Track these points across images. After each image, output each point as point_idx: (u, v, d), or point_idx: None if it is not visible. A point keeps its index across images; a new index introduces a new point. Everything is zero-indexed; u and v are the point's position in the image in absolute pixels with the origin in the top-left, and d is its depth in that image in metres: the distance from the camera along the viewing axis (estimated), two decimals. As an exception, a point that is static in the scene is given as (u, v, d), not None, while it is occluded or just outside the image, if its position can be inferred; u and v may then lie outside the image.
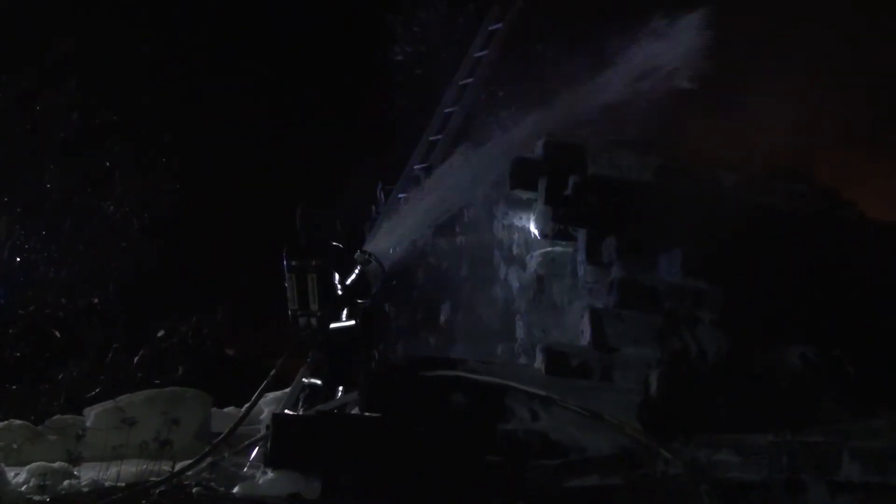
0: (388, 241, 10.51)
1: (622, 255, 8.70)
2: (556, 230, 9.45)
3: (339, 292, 9.22)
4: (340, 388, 9.09)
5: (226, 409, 11.78)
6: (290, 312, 9.28)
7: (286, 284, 9.27)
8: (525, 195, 10.00)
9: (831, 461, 7.09)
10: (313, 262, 9.11)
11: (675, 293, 8.38)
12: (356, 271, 9.35)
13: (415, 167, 12.34)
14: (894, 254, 9.49)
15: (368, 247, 10.19)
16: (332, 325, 9.21)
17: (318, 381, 9.33)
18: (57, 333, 13.29)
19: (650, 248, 8.69)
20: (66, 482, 8.44)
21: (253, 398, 9.59)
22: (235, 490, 7.78)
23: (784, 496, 7.13)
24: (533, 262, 10.04)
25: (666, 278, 8.52)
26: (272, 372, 9.50)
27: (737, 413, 7.51)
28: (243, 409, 9.82)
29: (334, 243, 9.32)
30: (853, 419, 7.68)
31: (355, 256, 9.51)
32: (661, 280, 8.52)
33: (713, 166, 10.50)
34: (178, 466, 8.33)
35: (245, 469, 8.78)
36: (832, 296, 8.56)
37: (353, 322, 9.32)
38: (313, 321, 9.15)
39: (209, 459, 8.57)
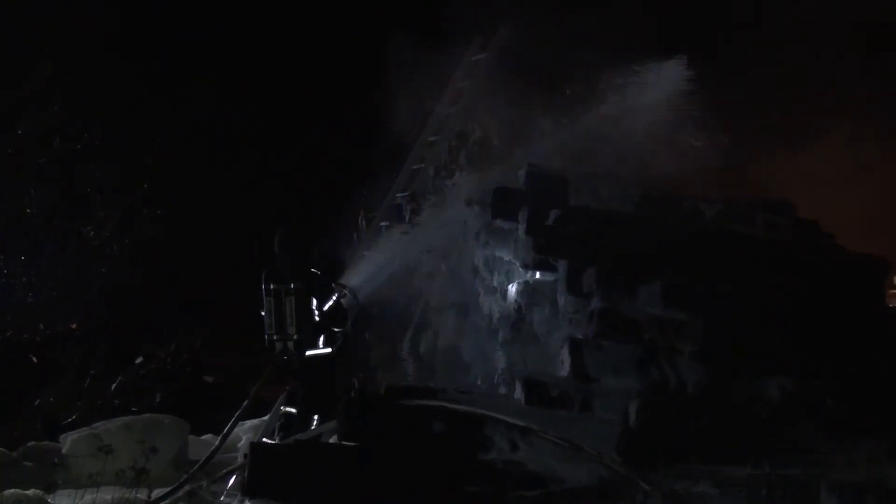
0: (364, 276, 10.51)
1: (602, 286, 8.72)
2: (537, 260, 9.46)
3: (317, 318, 9.21)
4: (316, 417, 9.05)
5: (203, 437, 11.69)
6: (266, 337, 9.24)
7: (264, 309, 9.24)
8: (506, 225, 10.02)
9: (809, 494, 7.11)
10: (292, 286, 9.11)
11: (654, 324, 8.40)
12: (333, 298, 9.34)
13: (397, 195, 12.36)
14: (872, 286, 9.57)
15: (346, 279, 10.19)
16: (308, 353, 9.17)
17: (294, 410, 9.27)
18: (34, 359, 13.18)
19: (630, 279, 8.71)
20: (38, 510, 8.35)
21: (228, 426, 9.50)
22: (212, 519, 7.73)
23: (762, 529, 7.14)
24: (513, 291, 10.05)
25: (646, 309, 8.54)
26: (247, 400, 9.43)
27: (716, 445, 7.51)
28: (222, 438, 9.74)
29: (313, 269, 9.32)
30: (832, 451, 7.70)
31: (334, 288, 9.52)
32: (641, 311, 8.54)
33: (694, 197, 10.57)
34: (155, 495, 8.26)
35: (222, 498, 8.71)
36: (811, 327, 8.60)
37: (329, 350, 9.30)
38: (290, 345, 9.12)
39: (186, 488, 8.50)
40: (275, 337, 9.17)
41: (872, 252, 9.91)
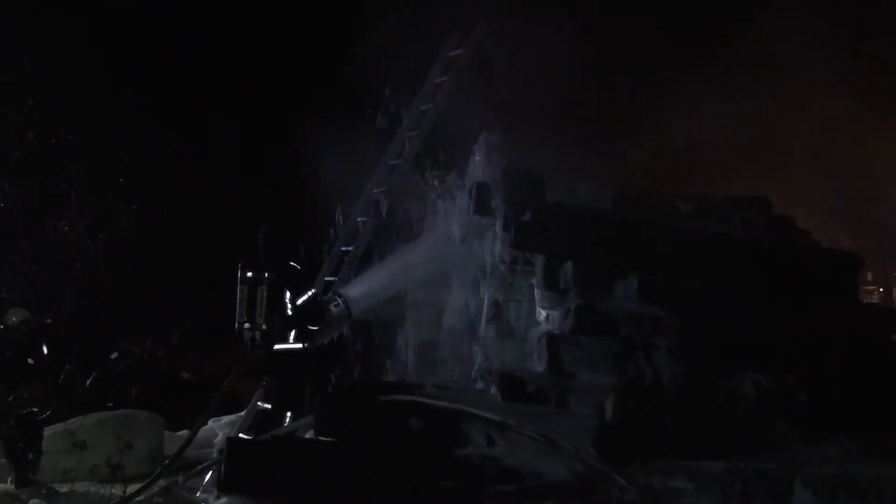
0: (359, 291, 10.43)
1: (579, 282, 8.75)
2: (514, 256, 9.47)
3: (289, 312, 9.16)
4: (289, 413, 9.00)
5: (179, 433, 11.62)
6: (237, 325, 9.19)
7: (238, 297, 9.20)
8: (484, 221, 10.02)
9: (784, 489, 7.18)
10: (266, 275, 9.08)
11: (631, 320, 8.43)
12: (309, 294, 9.30)
13: (374, 191, 12.30)
14: (845, 281, 9.64)
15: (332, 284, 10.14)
16: (277, 346, 9.11)
17: (269, 406, 9.23)
18: (8, 354, 13.08)
19: (607, 275, 8.74)
20: (10, 506, 8.27)
21: (199, 419, 9.40)
22: (188, 514, 7.70)
23: (737, 523, 7.19)
24: (490, 287, 10.05)
25: (622, 305, 8.57)
26: (217, 392, 9.36)
27: (691, 440, 7.56)
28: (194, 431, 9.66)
29: (291, 263, 9.29)
30: (805, 446, 7.76)
31: (327, 296, 9.50)
32: (617, 307, 8.57)
33: (670, 195, 10.60)
34: (130, 490, 8.21)
35: (198, 493, 8.68)
36: (786, 324, 8.66)
37: (300, 346, 9.22)
38: (257, 335, 9.08)
39: (162, 483, 8.47)
40: (245, 325, 9.13)
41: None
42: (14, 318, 9.96)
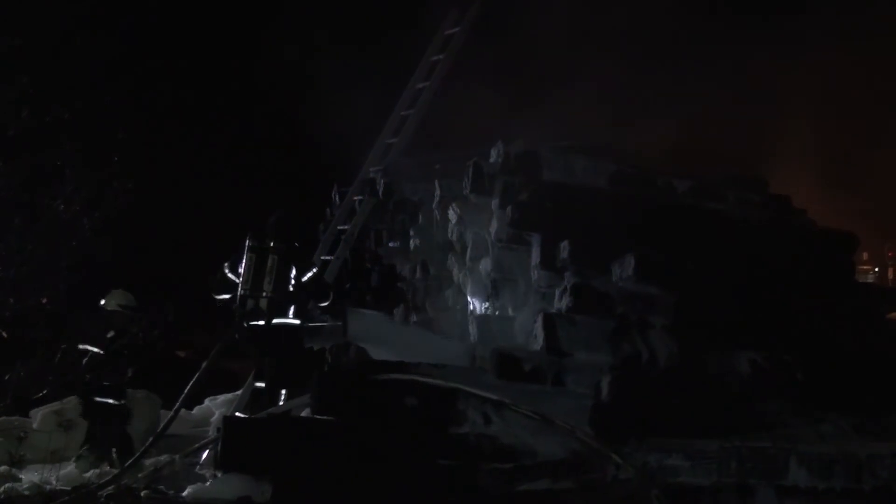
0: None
1: (576, 260, 8.75)
2: (511, 235, 9.47)
3: (291, 288, 9.11)
4: (283, 391, 8.97)
5: (175, 411, 11.61)
6: (239, 294, 9.05)
7: (242, 266, 9.06)
8: (480, 200, 10.02)
9: (779, 466, 7.22)
10: (276, 245, 9.01)
11: (627, 298, 8.43)
12: (312, 272, 9.28)
13: (371, 169, 12.30)
14: (841, 260, 9.66)
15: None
16: (276, 321, 9.04)
17: (262, 384, 9.17)
18: (3, 334, 13.06)
19: (603, 254, 8.73)
20: (4, 486, 8.25)
21: (186, 389, 9.30)
22: (185, 493, 7.70)
23: (733, 501, 7.23)
24: (487, 266, 10.06)
25: (619, 284, 8.57)
26: (205, 362, 9.27)
27: (687, 418, 7.58)
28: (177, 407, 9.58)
29: (296, 243, 9.26)
30: (801, 424, 7.78)
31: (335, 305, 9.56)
32: (613, 285, 8.57)
33: (667, 173, 10.60)
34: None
35: (195, 471, 8.68)
36: (782, 302, 8.67)
37: (297, 322, 9.19)
38: (262, 304, 8.97)
39: (164, 459, 8.48)
40: (249, 293, 9.02)
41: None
42: (115, 300, 9.85)
